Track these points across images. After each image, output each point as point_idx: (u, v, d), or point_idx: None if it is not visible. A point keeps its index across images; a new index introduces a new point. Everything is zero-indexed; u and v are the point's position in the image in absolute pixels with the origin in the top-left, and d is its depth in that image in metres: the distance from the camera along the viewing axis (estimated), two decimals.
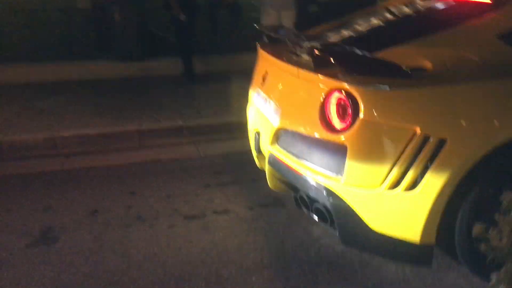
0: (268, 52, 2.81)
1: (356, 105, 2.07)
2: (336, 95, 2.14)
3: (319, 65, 2.26)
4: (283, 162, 2.48)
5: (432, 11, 2.77)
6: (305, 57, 2.46)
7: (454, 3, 2.78)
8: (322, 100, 2.19)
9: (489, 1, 2.55)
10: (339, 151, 2.15)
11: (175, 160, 3.95)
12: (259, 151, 2.90)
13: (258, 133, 2.86)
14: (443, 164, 1.99)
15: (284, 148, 2.50)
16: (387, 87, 2.03)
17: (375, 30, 2.70)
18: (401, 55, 2.23)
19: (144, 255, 2.57)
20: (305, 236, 2.74)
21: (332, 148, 2.19)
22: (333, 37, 2.77)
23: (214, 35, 7.38)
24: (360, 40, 2.59)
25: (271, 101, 2.66)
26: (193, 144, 4.32)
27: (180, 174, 3.65)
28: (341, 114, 2.14)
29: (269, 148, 2.60)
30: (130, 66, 6.42)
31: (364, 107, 2.05)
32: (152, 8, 6.85)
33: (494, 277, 1.74)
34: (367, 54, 2.21)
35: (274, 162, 2.57)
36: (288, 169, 2.44)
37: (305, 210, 2.45)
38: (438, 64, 2.16)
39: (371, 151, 2.08)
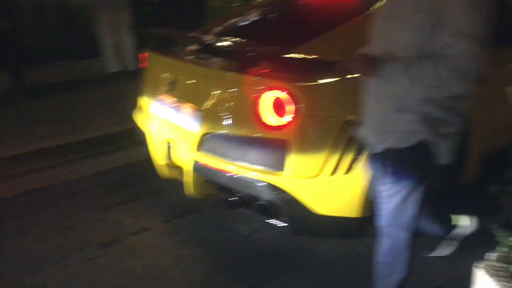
0: (176, 57, 2.71)
1: (294, 102, 2.18)
2: (272, 94, 2.21)
3: (247, 67, 2.30)
4: (213, 167, 2.45)
5: (325, 7, 3.02)
6: (224, 59, 2.46)
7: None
8: (257, 99, 2.24)
9: None
10: (280, 147, 2.24)
11: (53, 186, 3.47)
12: (171, 161, 2.79)
13: (170, 143, 2.74)
14: None
15: (212, 153, 2.47)
16: (321, 82, 2.20)
17: (278, 28, 2.85)
18: (311, 51, 2.41)
19: None
20: (235, 236, 2.76)
21: (272, 145, 2.27)
22: (237, 38, 2.81)
23: (43, 42, 6.59)
24: (267, 39, 2.69)
25: (187, 108, 2.58)
26: (65, 165, 3.84)
27: (68, 201, 3.24)
28: (279, 111, 2.22)
29: (192, 156, 2.53)
30: None
31: (302, 102, 2.17)
32: None
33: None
34: (292, 53, 2.33)
35: (201, 168, 2.52)
36: (221, 172, 2.43)
37: (244, 210, 2.47)
38: (344, 57, 2.40)
39: (311, 142, 2.22)
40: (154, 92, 2.86)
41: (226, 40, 2.73)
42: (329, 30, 2.50)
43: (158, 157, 2.88)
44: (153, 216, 3.01)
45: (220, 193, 2.58)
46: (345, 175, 2.24)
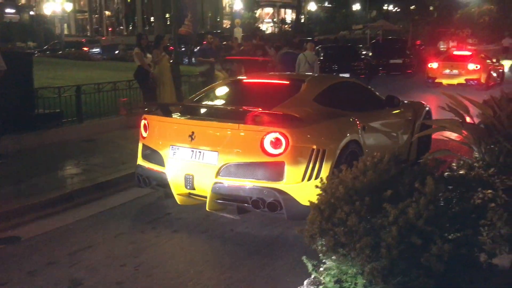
0: (191, 117, 4.20)
1: (287, 139, 3.79)
2: (273, 135, 3.80)
3: (252, 119, 3.87)
4: (232, 185, 3.89)
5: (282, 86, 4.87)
6: (231, 116, 4.00)
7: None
8: (263, 138, 3.80)
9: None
10: (279, 166, 3.80)
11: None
12: (192, 188, 4.11)
13: (191, 176, 4.08)
14: (327, 161, 3.95)
15: (230, 176, 3.90)
16: (303, 126, 3.89)
17: (251, 97, 4.57)
18: (284, 109, 4.10)
19: None
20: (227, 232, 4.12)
21: (274, 165, 3.82)
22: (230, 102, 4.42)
23: None
24: (251, 103, 4.31)
25: (205, 151, 4.00)
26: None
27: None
28: (276, 145, 3.80)
29: (213, 180, 3.92)
30: None
31: (291, 139, 3.80)
32: None
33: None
34: (275, 111, 3.99)
35: (221, 188, 3.93)
36: (239, 188, 3.87)
37: (255, 210, 3.90)
38: (302, 114, 4.13)
39: (297, 162, 3.83)
40: (171, 144, 4.20)
41: (223, 104, 4.33)
42: (283, 101, 4.31)
43: (179, 188, 4.16)
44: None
45: (230, 204, 3.99)
46: (315, 180, 3.87)
